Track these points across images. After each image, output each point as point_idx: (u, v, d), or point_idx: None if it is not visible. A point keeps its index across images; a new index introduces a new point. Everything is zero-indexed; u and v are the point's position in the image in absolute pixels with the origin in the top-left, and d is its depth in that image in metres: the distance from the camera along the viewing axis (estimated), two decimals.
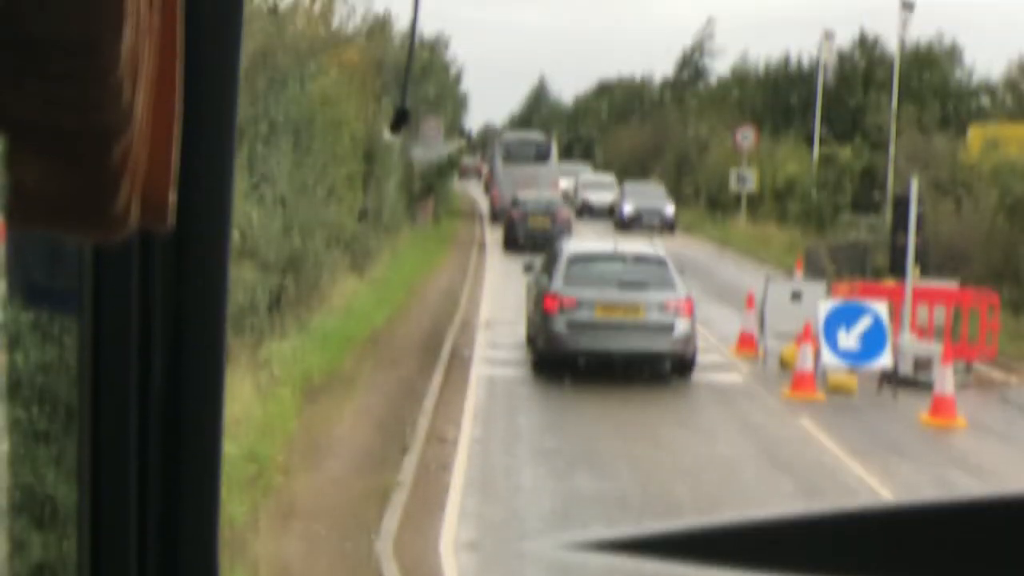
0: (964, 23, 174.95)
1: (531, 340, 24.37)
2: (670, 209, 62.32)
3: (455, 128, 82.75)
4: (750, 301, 26.57)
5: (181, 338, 2.02)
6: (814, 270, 37.68)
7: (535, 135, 73.49)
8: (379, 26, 44.05)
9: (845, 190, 52.77)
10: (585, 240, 33.34)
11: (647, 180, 74.03)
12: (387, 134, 34.63)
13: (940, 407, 20.51)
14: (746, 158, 62.55)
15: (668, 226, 60.65)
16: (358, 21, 36.77)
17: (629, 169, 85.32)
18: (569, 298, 22.49)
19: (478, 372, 23.38)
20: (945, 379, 20.60)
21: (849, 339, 22.24)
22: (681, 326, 22.40)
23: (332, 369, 22.36)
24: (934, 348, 23.18)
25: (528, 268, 27.22)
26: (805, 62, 77.09)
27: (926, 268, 29.23)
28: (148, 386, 2.01)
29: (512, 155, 65.73)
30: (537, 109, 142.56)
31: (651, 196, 63.79)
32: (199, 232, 1.97)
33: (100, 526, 2.04)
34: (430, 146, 54.93)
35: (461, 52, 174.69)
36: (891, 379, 22.38)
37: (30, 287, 1.99)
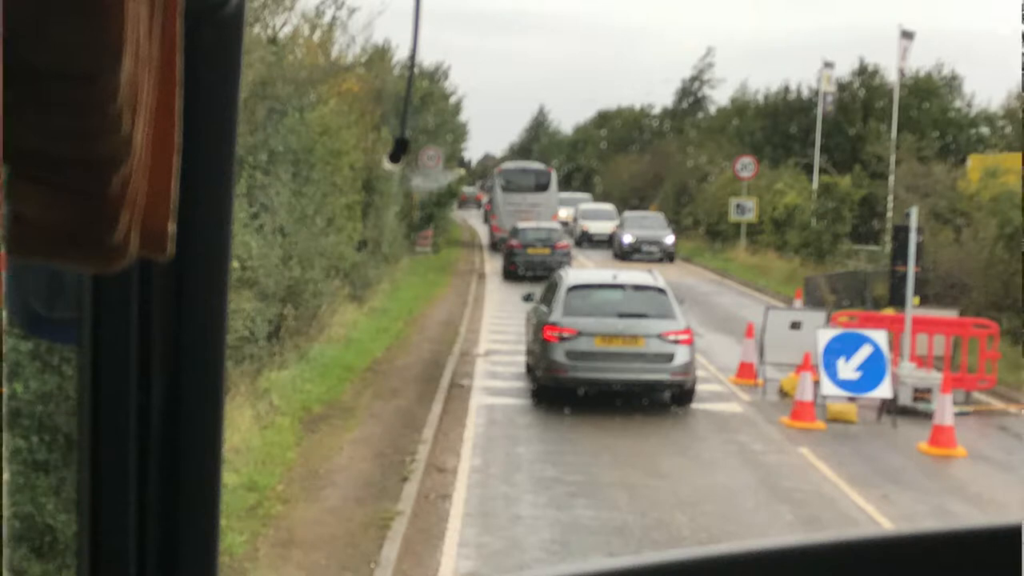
0: (963, 53, 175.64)
1: (530, 369, 24.34)
2: (670, 239, 62.35)
3: (454, 158, 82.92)
4: (750, 330, 26.54)
5: (180, 367, 2.02)
6: (814, 299, 37.73)
7: (535, 165, 73.52)
8: (378, 55, 44.17)
9: (845, 219, 52.76)
10: (584, 270, 33.35)
11: (647, 210, 74.13)
12: (386, 164, 34.63)
13: (940, 436, 20.48)
14: (746, 187, 62.64)
15: (668, 256, 60.74)
16: (357, 50, 36.89)
17: (629, 199, 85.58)
18: (569, 328, 22.46)
19: (477, 401, 23.34)
20: (945, 408, 20.57)
21: (849, 368, 22.22)
22: (681, 355, 22.35)
23: (331, 399, 22.34)
24: (934, 377, 23.19)
25: (527, 298, 27.20)
26: (804, 92, 77.33)
27: (926, 297, 29.23)
28: (147, 416, 2.01)
29: (512, 185, 65.81)
30: (537, 139, 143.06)
31: (651, 226, 63.80)
32: (198, 261, 1.97)
33: (100, 555, 2.04)
34: (429, 176, 54.99)
35: (461, 82, 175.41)
36: (891, 408, 22.37)
37: (29, 316, 1.98)
